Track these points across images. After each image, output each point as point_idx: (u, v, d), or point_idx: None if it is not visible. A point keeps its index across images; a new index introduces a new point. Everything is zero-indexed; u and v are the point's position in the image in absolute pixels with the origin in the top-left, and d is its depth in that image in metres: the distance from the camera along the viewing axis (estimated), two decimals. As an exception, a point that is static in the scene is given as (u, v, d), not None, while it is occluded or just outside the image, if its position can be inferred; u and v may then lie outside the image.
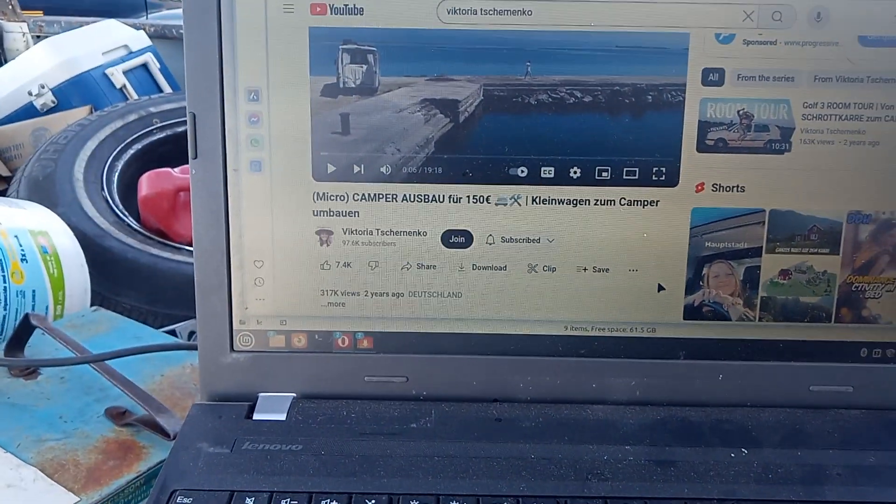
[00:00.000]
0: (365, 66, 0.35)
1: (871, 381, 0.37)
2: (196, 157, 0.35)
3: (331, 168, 0.35)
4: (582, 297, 0.37)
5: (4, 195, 1.14)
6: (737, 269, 0.37)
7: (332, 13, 0.34)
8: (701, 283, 0.37)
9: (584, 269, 0.36)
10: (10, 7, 1.70)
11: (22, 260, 0.84)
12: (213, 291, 0.36)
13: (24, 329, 0.60)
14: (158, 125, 1.27)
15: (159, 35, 1.62)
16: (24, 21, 1.70)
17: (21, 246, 0.86)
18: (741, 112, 0.35)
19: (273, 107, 0.35)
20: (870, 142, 0.35)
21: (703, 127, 0.35)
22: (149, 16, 2.52)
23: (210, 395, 0.37)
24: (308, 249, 0.36)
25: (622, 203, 0.36)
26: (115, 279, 0.99)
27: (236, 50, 0.34)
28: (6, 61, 1.64)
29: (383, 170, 0.35)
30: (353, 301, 0.36)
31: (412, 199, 0.36)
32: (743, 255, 0.36)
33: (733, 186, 0.36)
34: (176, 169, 1.09)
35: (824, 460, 0.33)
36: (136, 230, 1.06)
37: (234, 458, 0.33)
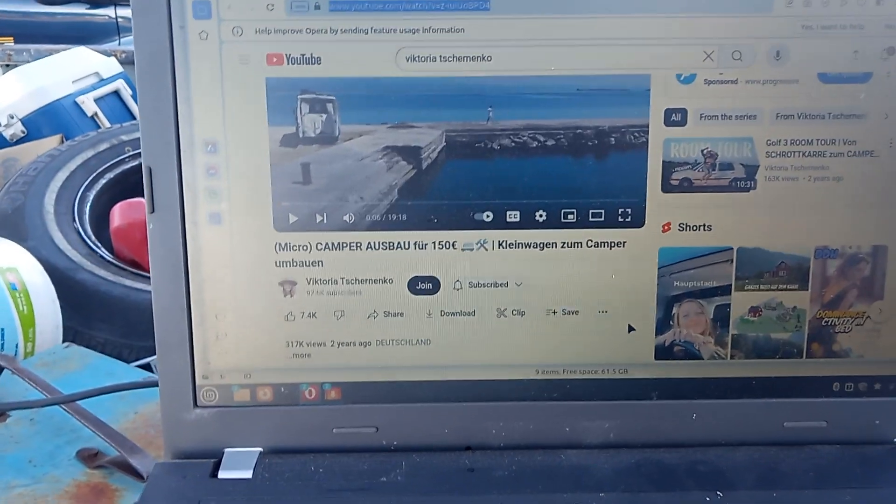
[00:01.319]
0: (324, 115, 0.34)
1: (844, 415, 0.37)
2: (153, 212, 0.34)
3: (292, 218, 0.35)
4: (552, 341, 0.36)
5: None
6: (707, 307, 0.36)
7: (289, 63, 0.34)
8: (671, 322, 0.36)
9: (554, 312, 0.36)
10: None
11: (-10, 299, 0.82)
12: (175, 347, 0.35)
13: None
14: (130, 153, 1.25)
15: (131, 61, 1.60)
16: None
17: (-11, 284, 0.84)
18: (705, 151, 0.35)
19: (231, 158, 0.34)
20: (833, 177, 0.35)
21: (668, 167, 0.35)
22: (121, 41, 2.50)
23: (174, 453, 0.36)
24: (271, 301, 0.35)
25: (589, 245, 0.35)
26: (88, 313, 0.97)
27: (192, 102, 0.34)
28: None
29: (346, 218, 0.35)
30: (320, 352, 0.36)
31: (377, 247, 0.35)
32: (712, 293, 0.36)
33: (700, 225, 0.36)
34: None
35: (801, 501, 0.33)
36: (109, 262, 1.05)
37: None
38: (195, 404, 0.36)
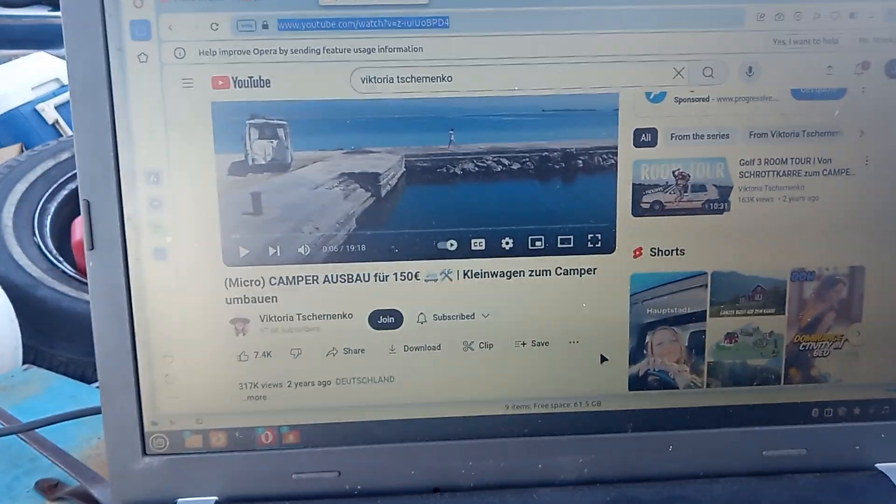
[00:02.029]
0: (275, 141, 0.32)
1: (823, 441, 0.36)
2: (92, 248, 0.32)
3: (243, 251, 0.33)
4: (522, 374, 0.35)
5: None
6: (681, 334, 0.35)
7: (235, 86, 0.32)
8: (645, 351, 0.35)
9: (523, 344, 0.34)
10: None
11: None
12: (120, 392, 0.33)
13: None
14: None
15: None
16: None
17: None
18: (676, 172, 0.34)
19: (176, 189, 0.32)
20: (809, 197, 0.34)
21: (638, 190, 0.33)
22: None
23: (122, 504, 0.34)
24: (222, 340, 0.33)
25: (558, 273, 0.34)
26: (49, 331, 0.94)
27: (132, 129, 0.31)
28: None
29: (301, 250, 0.33)
30: (276, 393, 0.34)
31: (335, 280, 0.33)
32: (687, 320, 0.35)
33: (672, 250, 0.34)
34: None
35: (781, 535, 0.32)
36: (71, 277, 1.01)
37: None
38: (144, 452, 0.33)
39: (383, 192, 0.33)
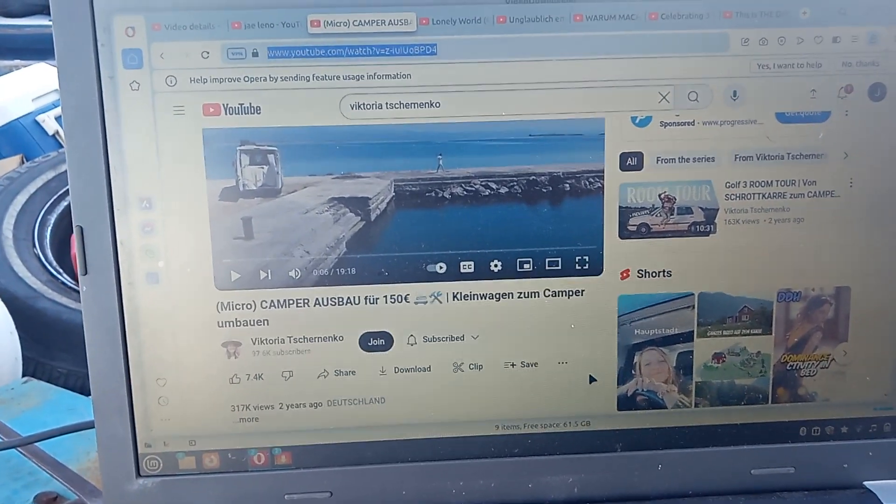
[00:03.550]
0: (266, 167, 0.33)
1: (811, 460, 0.36)
2: (86, 273, 0.32)
3: (235, 275, 0.33)
4: (511, 394, 0.35)
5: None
6: (669, 355, 0.35)
7: (226, 113, 0.32)
8: (633, 371, 0.35)
9: (512, 365, 0.35)
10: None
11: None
12: (114, 415, 0.33)
13: None
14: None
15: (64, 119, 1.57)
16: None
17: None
18: (663, 195, 0.34)
19: (168, 215, 0.32)
20: (794, 219, 0.35)
21: (625, 213, 0.34)
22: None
23: (114, 526, 0.34)
24: (215, 363, 0.33)
25: (546, 294, 0.34)
26: (49, 343, 0.94)
27: (124, 156, 0.32)
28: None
29: (292, 274, 0.33)
30: (268, 415, 0.34)
31: (325, 303, 0.34)
32: (674, 340, 0.35)
33: (659, 272, 0.34)
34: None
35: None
36: (71, 288, 1.02)
37: None
38: (138, 474, 0.34)
39: (373, 217, 0.33)
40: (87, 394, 0.64)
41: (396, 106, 0.33)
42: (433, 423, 0.35)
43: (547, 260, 0.34)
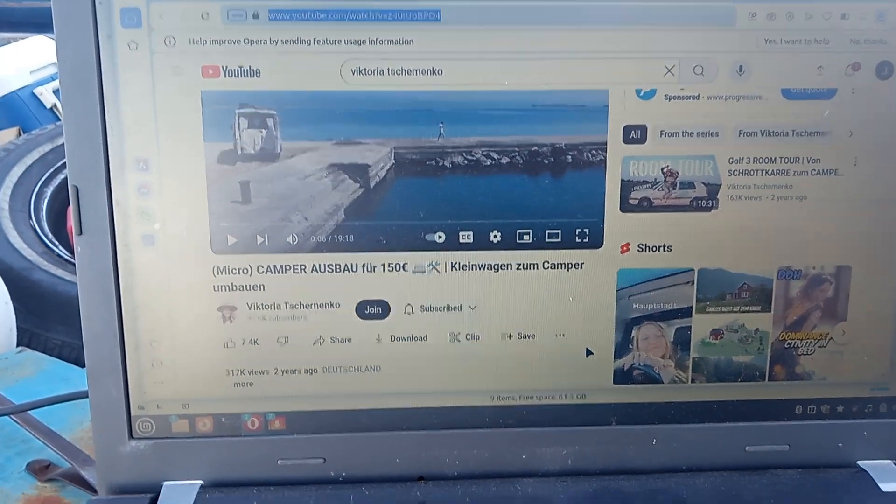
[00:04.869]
0: (265, 131, 0.32)
1: (806, 438, 0.36)
2: (81, 234, 0.32)
3: (231, 240, 0.33)
4: (508, 366, 0.35)
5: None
6: (667, 330, 0.35)
7: (225, 75, 0.32)
8: (630, 346, 0.35)
9: (509, 336, 0.35)
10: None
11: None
12: (107, 376, 0.33)
13: None
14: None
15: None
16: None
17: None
18: (665, 170, 0.34)
19: (165, 177, 0.32)
20: (797, 196, 0.34)
21: (627, 186, 0.34)
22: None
23: (109, 488, 0.34)
24: (210, 327, 0.33)
25: (545, 266, 0.34)
26: (44, 314, 0.94)
27: (121, 117, 0.31)
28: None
29: (290, 240, 0.33)
30: (263, 380, 0.34)
31: (323, 270, 0.33)
32: (673, 315, 0.35)
33: (660, 246, 0.34)
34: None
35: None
36: (67, 261, 1.02)
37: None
38: (130, 436, 0.34)
39: (372, 184, 0.33)
40: (82, 365, 0.65)
41: (398, 72, 0.32)
42: (428, 393, 0.35)
43: (547, 232, 0.34)
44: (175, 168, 0.32)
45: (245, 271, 0.33)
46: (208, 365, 0.33)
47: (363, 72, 0.32)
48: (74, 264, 0.93)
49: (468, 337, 0.34)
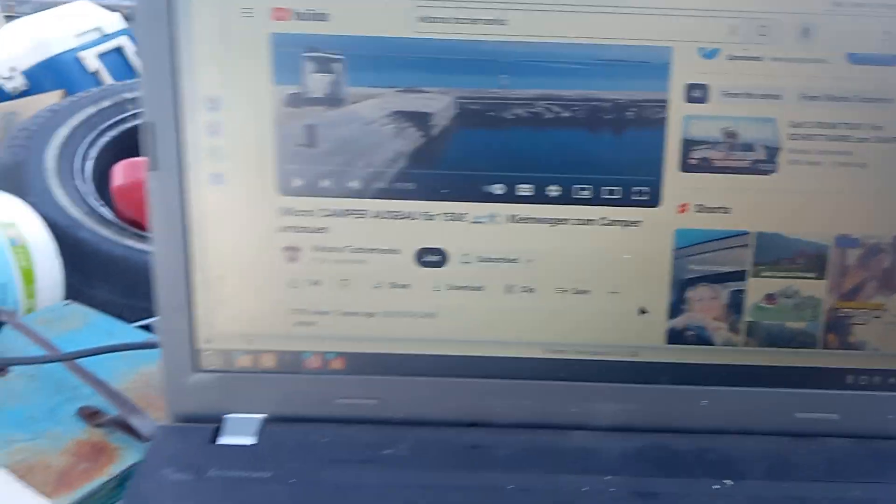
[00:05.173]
0: (331, 76, 0.33)
1: (856, 408, 0.36)
2: (155, 170, 0.33)
3: (297, 182, 0.34)
4: (561, 319, 0.35)
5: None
6: (721, 292, 0.35)
7: (295, 18, 0.32)
8: (684, 306, 0.35)
9: (564, 291, 0.35)
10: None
11: (-11, 252, 0.82)
12: (175, 310, 0.34)
13: None
14: (133, 111, 1.23)
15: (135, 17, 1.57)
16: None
17: (-8, 238, 0.83)
18: (726, 130, 0.34)
19: (233, 116, 0.33)
20: (857, 163, 0.34)
21: (687, 145, 0.34)
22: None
23: (175, 417, 0.35)
24: (274, 267, 0.34)
25: (602, 223, 0.34)
26: (88, 271, 0.96)
27: (192, 56, 0.32)
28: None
29: (353, 184, 0.34)
30: (324, 320, 0.35)
31: (384, 216, 0.34)
32: (728, 278, 0.35)
33: (718, 207, 0.34)
34: (150, 159, 1.06)
35: (810, 493, 0.32)
36: (110, 221, 1.03)
37: (199, 485, 0.31)
38: (197, 368, 0.35)
39: (434, 133, 0.33)
40: (125, 321, 0.66)
41: (464, 21, 0.32)
42: (482, 342, 0.35)
43: (605, 188, 0.34)
44: (244, 108, 0.33)
45: (309, 213, 0.34)
46: (272, 303, 0.34)
47: (430, 19, 0.32)
48: (118, 225, 0.95)
49: (523, 289, 0.35)
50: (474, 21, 0.32)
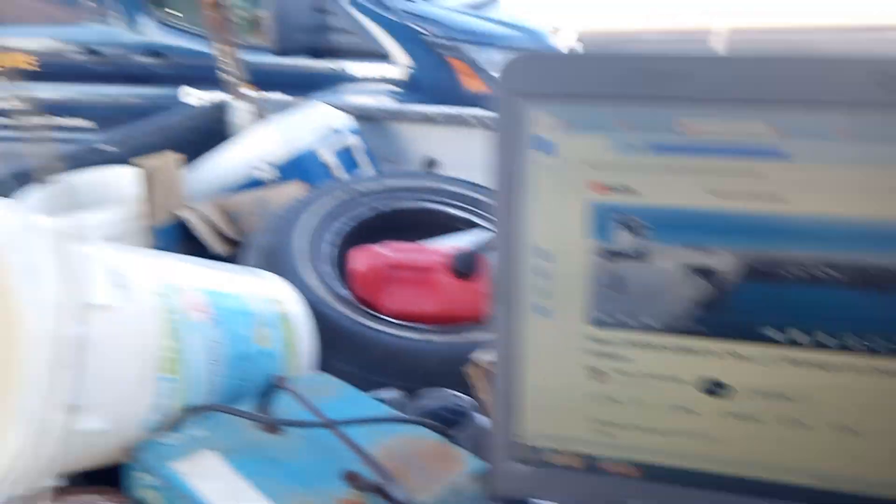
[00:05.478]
0: (636, 236, 0.41)
1: None
2: (497, 301, 0.43)
3: (604, 317, 0.42)
4: (833, 454, 0.40)
5: (233, 260, 1.31)
6: None
7: (610, 191, 0.41)
8: (955, 450, 0.39)
9: (837, 429, 0.40)
10: (239, 89, 1.97)
11: (266, 325, 0.98)
12: (502, 409, 0.43)
13: (272, 389, 0.71)
14: (365, 204, 1.42)
15: (363, 116, 1.81)
16: (249, 101, 1.97)
17: (265, 312, 1.00)
18: None
19: (558, 263, 0.42)
20: None
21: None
22: (344, 90, 2.80)
23: (492, 495, 0.44)
24: (582, 384, 0.43)
25: (875, 373, 0.39)
26: (330, 345, 1.11)
27: (530, 216, 0.42)
28: (230, 134, 1.91)
29: (650, 322, 0.42)
30: (620, 432, 0.43)
31: (676, 350, 0.41)
32: None
33: None
34: (384, 247, 1.22)
35: None
36: (348, 300, 1.19)
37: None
38: (513, 457, 0.44)
39: (720, 284, 0.41)
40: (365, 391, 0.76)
41: (750, 197, 0.40)
42: (757, 465, 0.41)
43: (882, 343, 0.39)
44: (566, 258, 0.42)
45: (613, 343, 0.42)
46: (578, 413, 0.43)
47: (720, 194, 0.40)
48: (354, 305, 1.09)
49: (797, 423, 0.40)
50: (758, 196, 0.40)
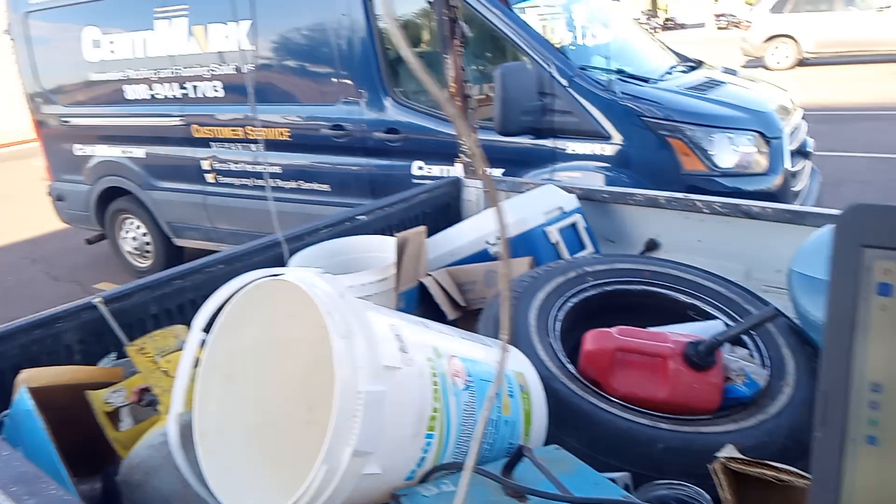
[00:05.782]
0: None
1: None
2: (823, 426, 0.46)
3: None
4: None
5: (462, 325, 1.41)
6: None
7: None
8: None
9: None
10: (473, 167, 2.14)
11: (510, 395, 1.06)
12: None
13: (518, 457, 0.77)
14: (591, 283, 1.47)
15: (585, 197, 1.89)
16: (484, 179, 2.13)
17: (510, 383, 1.08)
18: None
19: (891, 398, 0.45)
20: None
21: None
22: (558, 167, 2.92)
23: None
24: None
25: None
26: (560, 420, 1.16)
27: (865, 352, 0.45)
28: (464, 209, 2.08)
29: None
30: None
31: None
32: None
33: None
34: (614, 330, 1.26)
35: None
36: (577, 377, 1.24)
37: None
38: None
39: None
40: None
41: None
42: None
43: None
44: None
45: None
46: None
47: None
48: (583, 382, 1.14)
49: None
50: None
